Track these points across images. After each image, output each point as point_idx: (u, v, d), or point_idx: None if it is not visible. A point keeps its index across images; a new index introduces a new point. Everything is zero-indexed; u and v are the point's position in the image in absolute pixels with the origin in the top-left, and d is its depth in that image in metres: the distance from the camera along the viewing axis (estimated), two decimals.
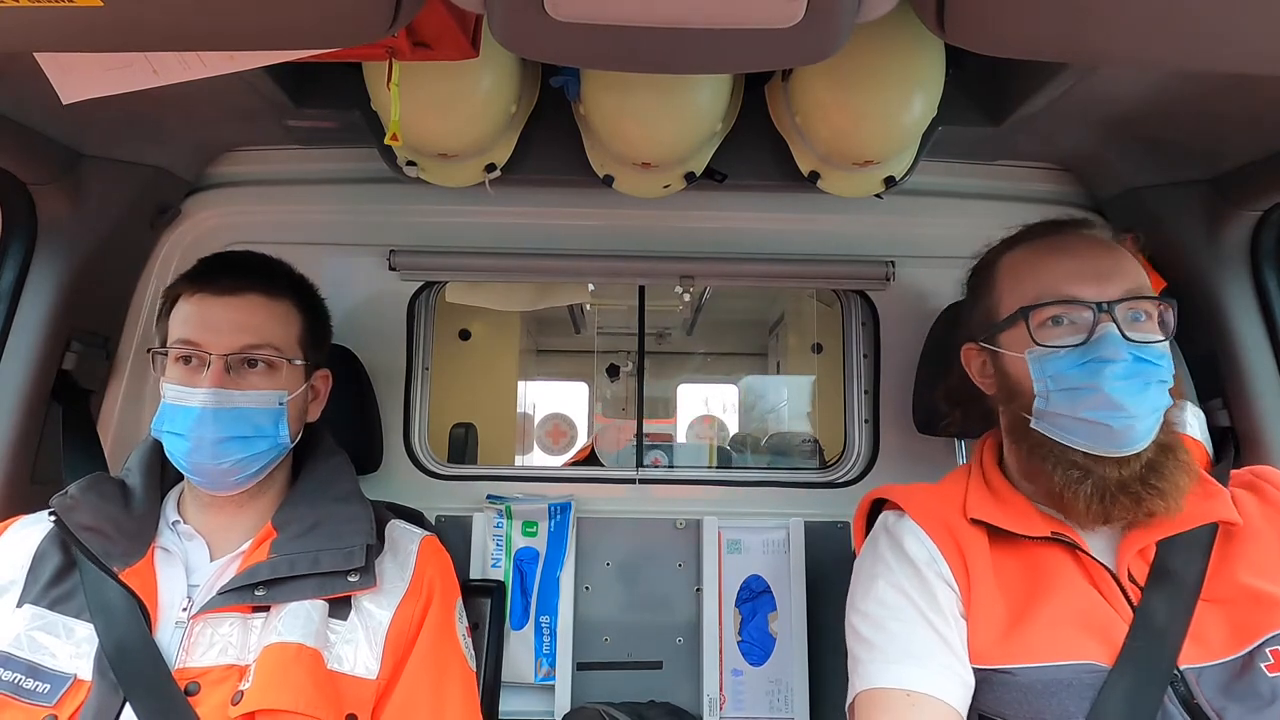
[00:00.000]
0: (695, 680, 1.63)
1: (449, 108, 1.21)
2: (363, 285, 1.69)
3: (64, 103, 0.88)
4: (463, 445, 3.72)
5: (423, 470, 1.72)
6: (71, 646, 1.02)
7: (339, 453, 1.27)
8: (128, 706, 0.98)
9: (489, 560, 1.66)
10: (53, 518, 1.10)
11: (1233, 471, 1.12)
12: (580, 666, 1.63)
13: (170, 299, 1.17)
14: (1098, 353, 0.97)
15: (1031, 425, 1.04)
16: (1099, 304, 0.99)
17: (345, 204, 1.68)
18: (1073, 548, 1.02)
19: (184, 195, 1.64)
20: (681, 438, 5.86)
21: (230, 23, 0.70)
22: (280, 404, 1.14)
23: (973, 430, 1.26)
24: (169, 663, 1.02)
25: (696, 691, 1.62)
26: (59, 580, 1.07)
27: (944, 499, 1.11)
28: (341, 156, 1.63)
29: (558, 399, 5.97)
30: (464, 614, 1.23)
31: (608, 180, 1.44)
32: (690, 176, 1.42)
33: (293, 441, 1.19)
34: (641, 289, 2.10)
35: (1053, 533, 1.03)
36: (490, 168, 1.41)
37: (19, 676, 0.99)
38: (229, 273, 1.17)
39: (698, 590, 1.66)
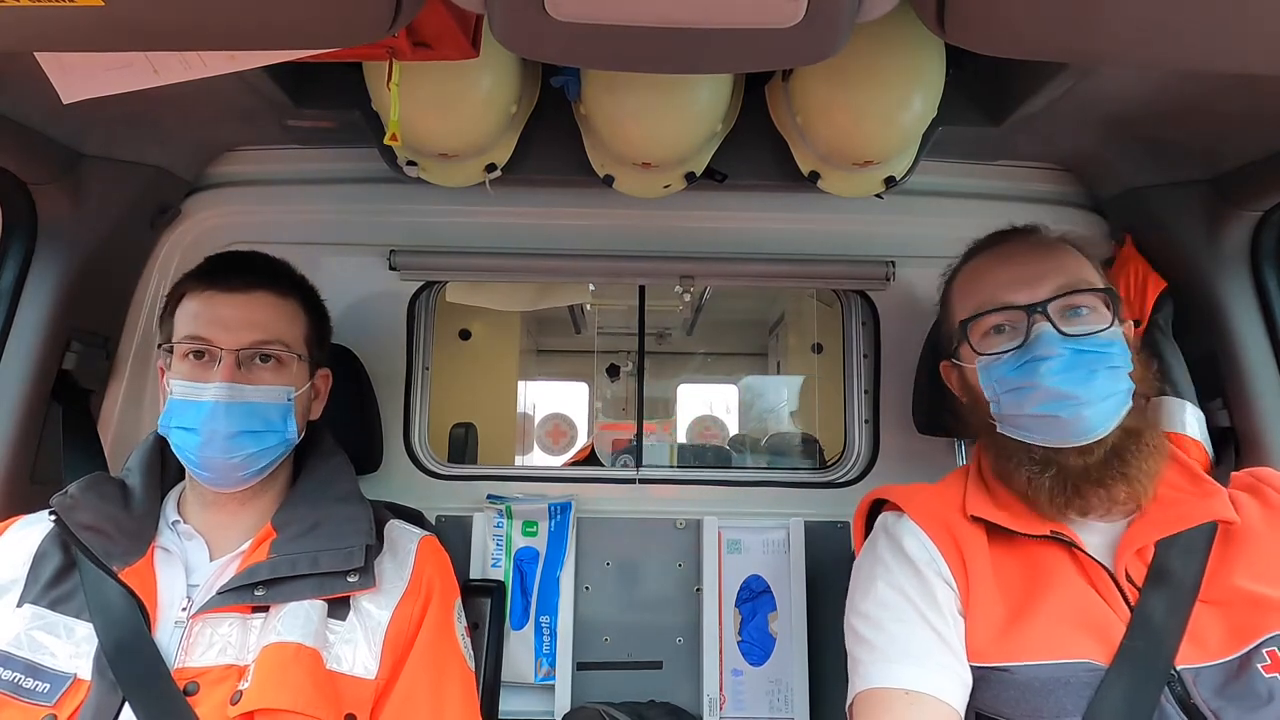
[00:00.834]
0: (695, 680, 1.63)
1: (449, 108, 1.21)
2: (363, 285, 1.69)
3: (64, 103, 0.88)
4: (463, 445, 3.73)
5: (423, 470, 1.72)
6: (71, 646, 1.02)
7: (339, 453, 1.28)
8: (127, 706, 0.98)
9: (489, 560, 1.65)
10: (53, 517, 1.10)
11: (1233, 474, 1.13)
12: (580, 666, 1.63)
13: (176, 297, 1.18)
14: (1034, 352, 1.01)
15: (997, 430, 1.07)
16: (1031, 306, 1.02)
17: (345, 204, 1.68)
18: (1071, 547, 1.02)
19: (184, 195, 1.64)
20: (682, 438, 5.86)
21: (230, 22, 0.70)
22: (289, 399, 1.15)
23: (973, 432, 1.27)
24: (168, 662, 1.02)
25: (696, 691, 1.62)
26: (59, 580, 1.07)
27: (943, 499, 1.12)
28: (341, 156, 1.63)
29: (558, 399, 5.97)
30: (463, 614, 1.23)
31: (608, 180, 1.44)
32: (690, 176, 1.42)
33: (298, 438, 1.19)
34: (641, 289, 2.10)
35: (1051, 531, 1.03)
36: (490, 168, 1.41)
37: (19, 676, 0.99)
38: (237, 270, 1.18)
39: (698, 590, 1.66)
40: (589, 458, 4.72)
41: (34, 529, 1.14)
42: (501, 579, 1.64)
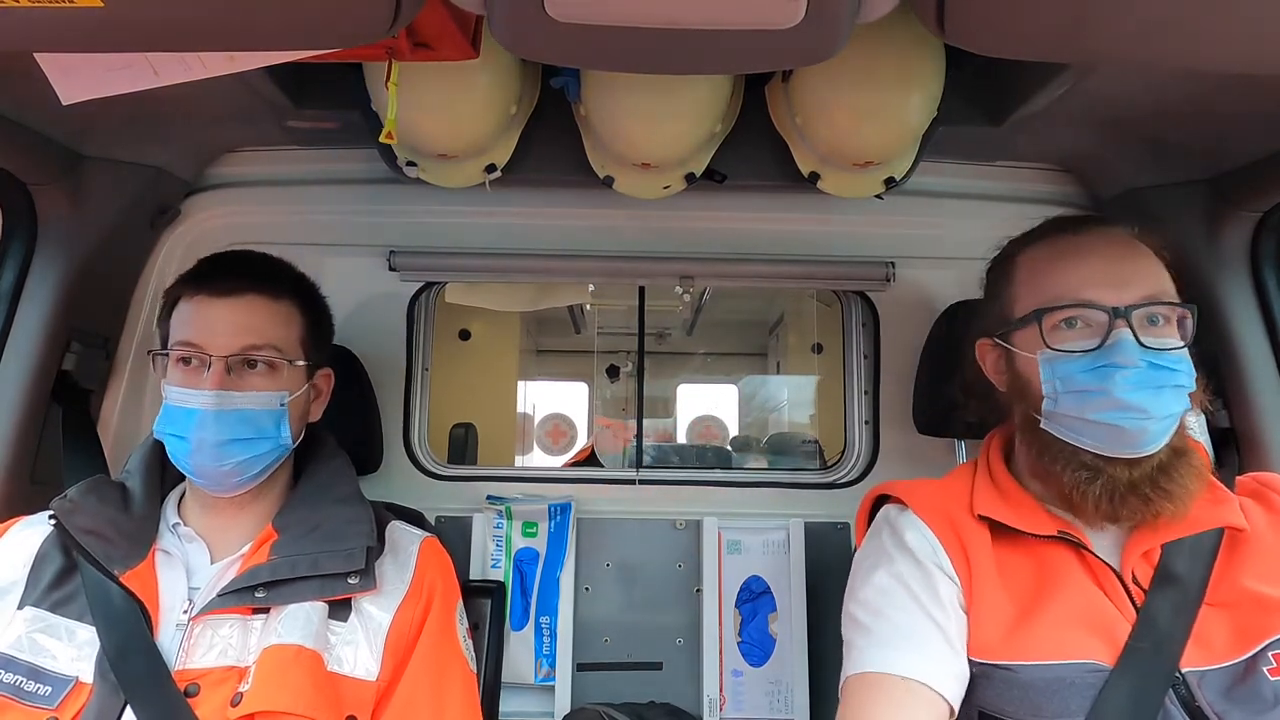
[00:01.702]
0: (695, 681, 1.63)
1: (449, 108, 1.21)
2: (363, 286, 1.69)
3: (64, 103, 0.88)
4: (463, 445, 3.73)
5: (423, 471, 1.72)
6: (73, 649, 1.02)
7: (340, 455, 1.27)
8: (128, 709, 0.98)
9: (489, 561, 1.65)
10: (53, 521, 1.10)
11: (1238, 479, 1.12)
12: (580, 667, 1.63)
13: (170, 300, 1.17)
14: (1111, 358, 0.96)
15: (1041, 425, 1.03)
16: (1115, 309, 0.98)
17: (345, 205, 1.68)
18: (1078, 547, 1.02)
19: (184, 195, 1.63)
20: (682, 438, 5.87)
21: (230, 23, 0.70)
22: (281, 405, 1.14)
23: (977, 429, 1.26)
24: (169, 664, 1.02)
25: (696, 692, 1.62)
26: (60, 583, 1.07)
27: (948, 494, 1.11)
28: (341, 157, 1.63)
29: (558, 399, 5.97)
30: (464, 615, 1.23)
31: (608, 181, 1.44)
32: (690, 177, 1.42)
33: (294, 442, 1.18)
34: (641, 289, 2.10)
35: (1059, 531, 1.02)
36: (490, 168, 1.41)
37: (20, 679, 0.99)
38: (229, 273, 1.16)
39: (698, 591, 1.66)
40: (589, 458, 4.72)
41: (34, 530, 1.13)
42: (501, 580, 1.64)
